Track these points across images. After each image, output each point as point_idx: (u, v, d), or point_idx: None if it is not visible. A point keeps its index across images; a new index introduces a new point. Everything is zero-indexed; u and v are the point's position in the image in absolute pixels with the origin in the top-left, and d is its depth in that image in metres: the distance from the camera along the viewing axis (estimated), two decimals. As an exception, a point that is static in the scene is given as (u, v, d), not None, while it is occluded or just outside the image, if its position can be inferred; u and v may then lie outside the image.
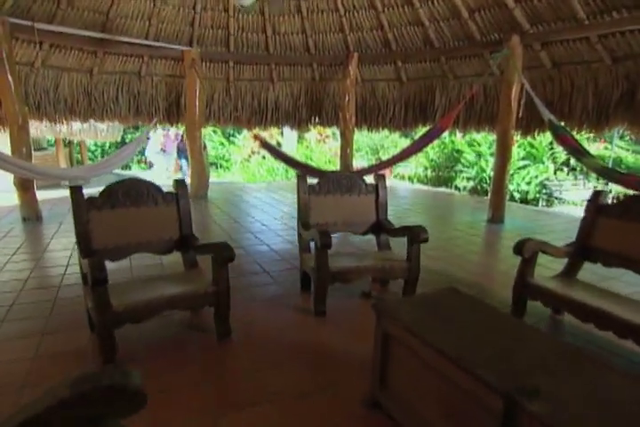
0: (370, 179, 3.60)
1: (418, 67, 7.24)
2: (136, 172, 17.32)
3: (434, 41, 6.63)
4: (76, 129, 10.33)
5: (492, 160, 8.48)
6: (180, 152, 12.51)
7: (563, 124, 5.47)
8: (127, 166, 18.72)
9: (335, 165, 11.96)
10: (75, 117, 7.07)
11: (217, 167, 14.46)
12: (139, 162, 18.21)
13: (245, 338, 2.64)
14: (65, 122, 7.05)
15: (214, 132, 14.86)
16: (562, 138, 4.81)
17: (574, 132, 5.51)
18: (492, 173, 8.72)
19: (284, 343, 2.57)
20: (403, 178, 10.98)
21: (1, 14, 5.35)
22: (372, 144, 12.12)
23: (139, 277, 3.16)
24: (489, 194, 6.32)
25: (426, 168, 10.28)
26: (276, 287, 3.46)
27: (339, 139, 14.53)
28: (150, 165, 16.36)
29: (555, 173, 8.90)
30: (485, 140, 8.67)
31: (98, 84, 6.97)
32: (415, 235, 2.86)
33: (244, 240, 4.85)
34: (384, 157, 12.02)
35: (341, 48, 7.36)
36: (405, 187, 9.75)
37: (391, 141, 12.10)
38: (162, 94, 7.54)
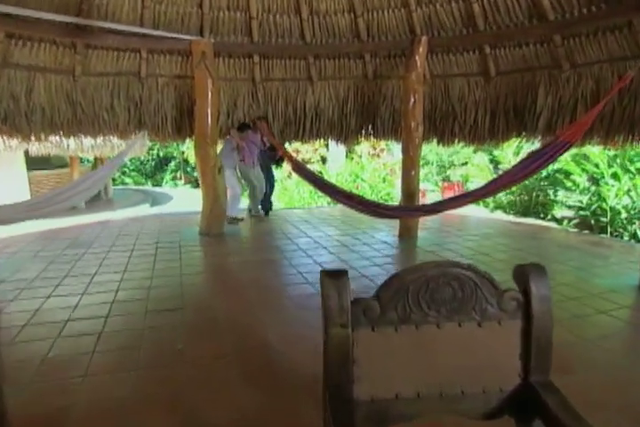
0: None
1: (515, 54, 5.09)
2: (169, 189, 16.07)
3: (547, 11, 4.44)
4: (87, 145, 8.94)
5: (615, 185, 6.08)
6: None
7: None
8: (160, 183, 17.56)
9: (392, 186, 9.87)
10: (56, 132, 5.49)
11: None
12: (174, 178, 16.97)
13: None
14: (42, 138, 5.47)
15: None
16: None
17: None
18: (615, 205, 6.25)
19: None
20: (477, 203, 8.65)
21: None
22: (439, 160, 9.91)
23: None
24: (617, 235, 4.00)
25: (511, 191, 7.93)
26: None
27: (394, 153, 12.48)
28: None
29: None
30: (602, 156, 6.26)
31: (85, 88, 5.37)
32: None
33: (234, 339, 2.88)
34: (453, 177, 9.70)
35: (404, 31, 5.32)
36: (482, 216, 7.48)
37: (464, 157, 9.81)
38: (171, 100, 5.86)
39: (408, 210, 4.88)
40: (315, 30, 5.51)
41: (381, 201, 8.96)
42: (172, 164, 17.71)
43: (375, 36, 5.44)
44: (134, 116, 5.75)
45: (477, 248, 5.15)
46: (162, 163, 18.03)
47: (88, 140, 8.83)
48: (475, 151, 9.22)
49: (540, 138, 5.29)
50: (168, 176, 17.48)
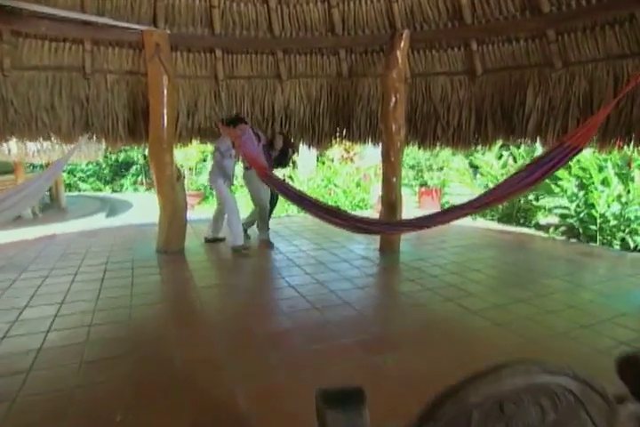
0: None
1: (503, 50, 4.69)
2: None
3: (542, 2, 4.03)
4: (32, 149, 8.06)
5: (605, 191, 5.77)
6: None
7: None
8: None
9: (367, 192, 9.39)
10: (-16, 135, 4.73)
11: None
12: (135, 184, 15.91)
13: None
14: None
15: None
16: None
17: None
18: (605, 212, 5.82)
19: None
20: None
21: None
22: (416, 163, 9.50)
23: None
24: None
25: (492, 197, 7.58)
26: None
27: (365, 157, 11.98)
28: None
29: None
30: (593, 160, 5.91)
31: (18, 84, 4.63)
32: None
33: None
34: (431, 182, 9.28)
35: (383, 24, 4.83)
36: (465, 224, 7.03)
37: (442, 160, 9.43)
38: (122, 100, 5.17)
39: (393, 225, 4.36)
40: (284, 22, 4.93)
41: (358, 212, 8.48)
42: (133, 168, 16.68)
43: (351, 29, 4.91)
44: (80, 118, 5.04)
45: (466, 263, 4.71)
46: (121, 168, 16.96)
47: (33, 145, 7.99)
48: (454, 154, 8.88)
49: (529, 141, 4.95)
50: (128, 182, 16.46)
